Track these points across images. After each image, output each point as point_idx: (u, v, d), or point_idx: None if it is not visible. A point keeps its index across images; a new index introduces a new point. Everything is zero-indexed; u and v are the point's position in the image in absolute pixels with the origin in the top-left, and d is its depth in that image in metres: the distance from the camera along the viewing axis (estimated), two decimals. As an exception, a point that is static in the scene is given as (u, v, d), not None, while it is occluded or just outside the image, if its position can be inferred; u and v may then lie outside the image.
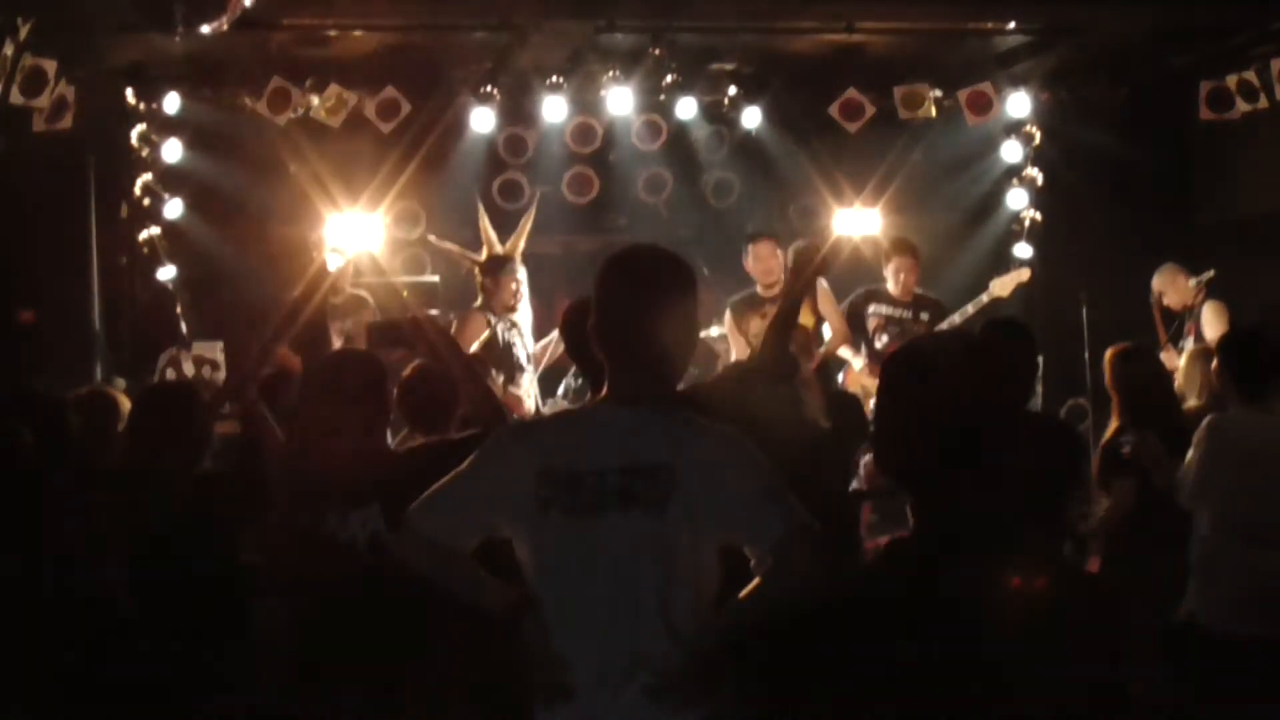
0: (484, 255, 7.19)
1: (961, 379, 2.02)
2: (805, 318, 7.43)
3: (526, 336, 7.00)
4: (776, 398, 4.57)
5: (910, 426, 2.04)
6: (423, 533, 2.62)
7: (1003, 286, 7.82)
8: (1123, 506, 4.73)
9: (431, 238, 8.07)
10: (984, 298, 7.85)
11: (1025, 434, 4.29)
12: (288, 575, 3.51)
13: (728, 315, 7.65)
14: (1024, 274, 7.85)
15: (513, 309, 6.95)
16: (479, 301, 7.15)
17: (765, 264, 7.57)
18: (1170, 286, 7.84)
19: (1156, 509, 4.71)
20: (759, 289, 7.64)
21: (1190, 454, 4.48)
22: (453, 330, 6.83)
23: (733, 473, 2.48)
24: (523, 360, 6.85)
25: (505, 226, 7.63)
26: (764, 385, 4.72)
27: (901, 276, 7.76)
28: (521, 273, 7.02)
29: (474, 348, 6.64)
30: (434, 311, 8.16)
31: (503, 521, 2.57)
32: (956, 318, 7.67)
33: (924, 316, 7.77)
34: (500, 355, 6.77)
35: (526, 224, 7.28)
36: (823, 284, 7.53)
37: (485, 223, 7.35)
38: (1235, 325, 7.33)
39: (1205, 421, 4.52)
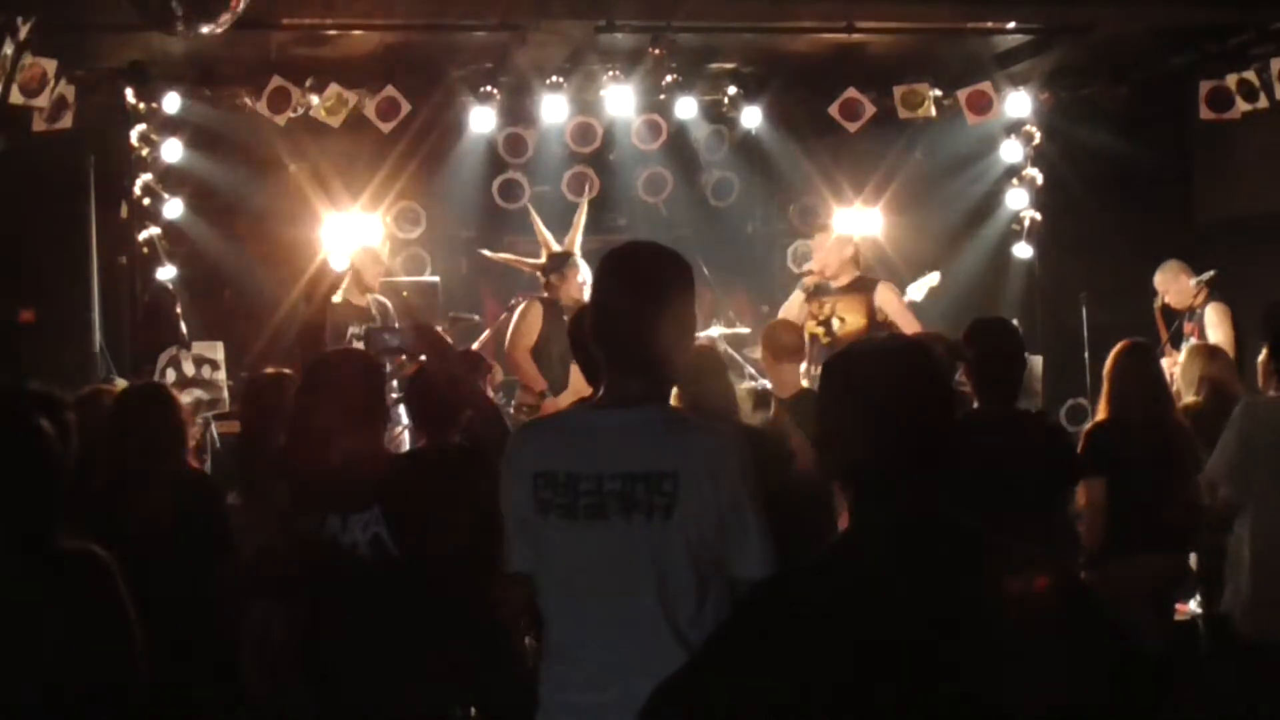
0: (544, 257, 7.18)
1: (895, 380, 2.02)
2: (855, 318, 7.19)
3: None
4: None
5: (847, 428, 2.03)
6: (515, 568, 2.61)
7: (915, 291, 7.77)
8: (1096, 507, 4.69)
9: (486, 252, 8.02)
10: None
11: (1016, 434, 4.29)
12: (289, 578, 3.50)
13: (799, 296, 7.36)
14: (934, 278, 7.78)
15: (583, 301, 6.92)
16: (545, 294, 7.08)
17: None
18: (1173, 285, 7.83)
19: (1136, 507, 4.69)
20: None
21: (1223, 437, 4.36)
22: (513, 321, 6.80)
23: (727, 490, 2.45)
24: None
25: (508, 226, 7.63)
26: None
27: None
28: (584, 265, 6.97)
29: (533, 337, 6.59)
30: (476, 317, 8.10)
31: (513, 524, 2.57)
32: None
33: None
34: (551, 340, 6.71)
35: (580, 218, 7.27)
36: (890, 286, 7.35)
37: (539, 225, 7.36)
38: (1238, 326, 7.32)
39: (1240, 404, 4.40)
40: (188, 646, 3.73)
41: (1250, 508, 4.33)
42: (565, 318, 6.82)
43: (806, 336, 7.17)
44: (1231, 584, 4.41)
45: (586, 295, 6.83)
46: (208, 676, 3.87)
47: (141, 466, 4.00)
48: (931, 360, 2.09)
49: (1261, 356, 4.69)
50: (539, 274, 7.21)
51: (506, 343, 6.66)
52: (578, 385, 6.73)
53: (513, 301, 7.35)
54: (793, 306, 7.41)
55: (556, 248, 7.10)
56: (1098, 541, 4.69)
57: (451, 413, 4.32)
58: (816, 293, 7.31)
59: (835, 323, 7.17)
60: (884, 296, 7.15)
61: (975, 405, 4.41)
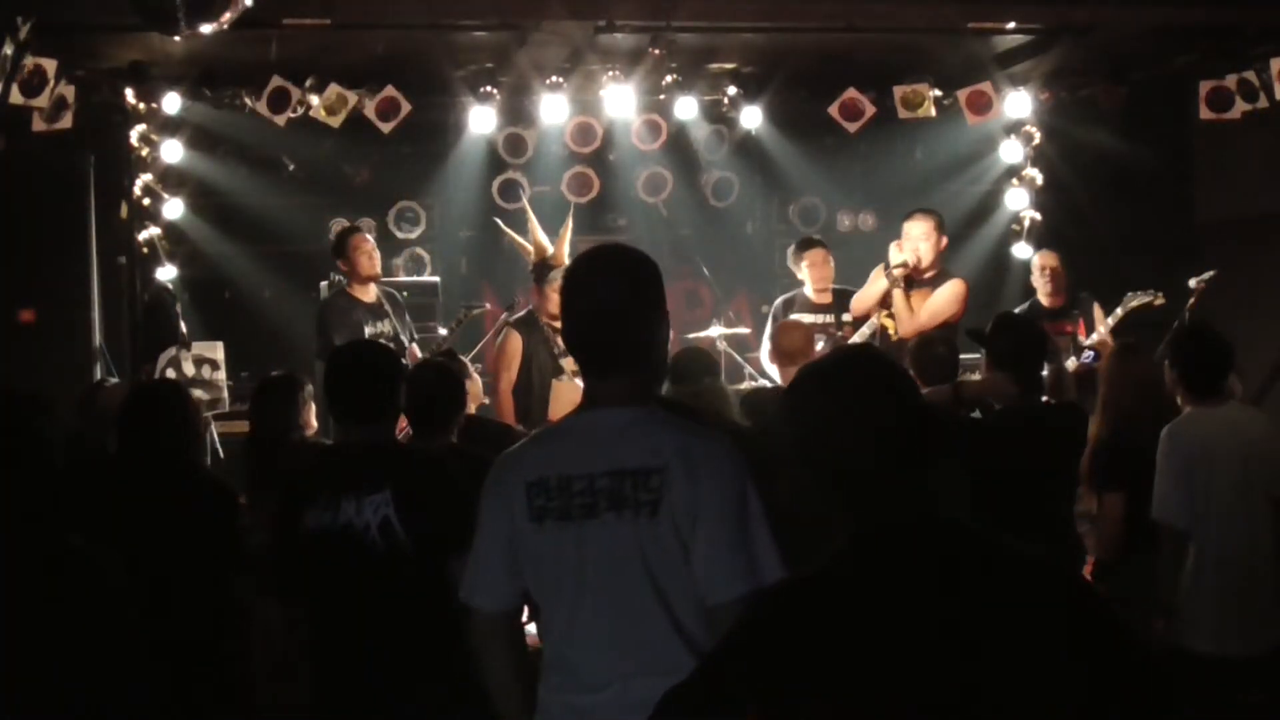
0: (534, 257, 7.19)
1: (882, 383, 2.05)
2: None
3: None
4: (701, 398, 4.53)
5: (838, 434, 2.03)
6: (485, 611, 2.59)
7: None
8: (1114, 521, 4.67)
9: (499, 222, 8.06)
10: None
11: (1059, 426, 4.38)
12: (298, 578, 3.51)
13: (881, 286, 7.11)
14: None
15: (557, 316, 6.92)
16: (518, 312, 7.08)
17: (820, 270, 7.49)
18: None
19: (1141, 511, 4.65)
20: (810, 292, 7.53)
21: (1160, 472, 4.33)
22: (494, 352, 6.86)
23: (712, 493, 2.42)
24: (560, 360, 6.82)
25: (508, 227, 7.63)
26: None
27: (813, 273, 7.56)
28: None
29: (514, 370, 6.66)
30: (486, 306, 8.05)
31: (494, 548, 2.57)
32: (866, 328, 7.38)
33: (846, 316, 7.40)
34: (533, 361, 6.76)
35: (567, 231, 7.26)
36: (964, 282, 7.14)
37: (534, 224, 7.33)
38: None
39: (1164, 432, 4.36)
40: (196, 648, 3.74)
41: (1208, 527, 4.29)
42: (545, 334, 6.82)
43: (876, 329, 7.11)
44: (1186, 611, 4.30)
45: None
46: (215, 678, 3.87)
47: (151, 464, 4.00)
48: (899, 364, 2.12)
49: (1169, 375, 4.59)
50: (530, 271, 7.24)
51: (492, 375, 6.80)
52: (563, 401, 6.78)
53: (505, 316, 7.30)
54: (867, 299, 7.16)
55: (549, 252, 7.10)
56: (1113, 554, 4.66)
57: (451, 410, 4.33)
58: (903, 284, 7.01)
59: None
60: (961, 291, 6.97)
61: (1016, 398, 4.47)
